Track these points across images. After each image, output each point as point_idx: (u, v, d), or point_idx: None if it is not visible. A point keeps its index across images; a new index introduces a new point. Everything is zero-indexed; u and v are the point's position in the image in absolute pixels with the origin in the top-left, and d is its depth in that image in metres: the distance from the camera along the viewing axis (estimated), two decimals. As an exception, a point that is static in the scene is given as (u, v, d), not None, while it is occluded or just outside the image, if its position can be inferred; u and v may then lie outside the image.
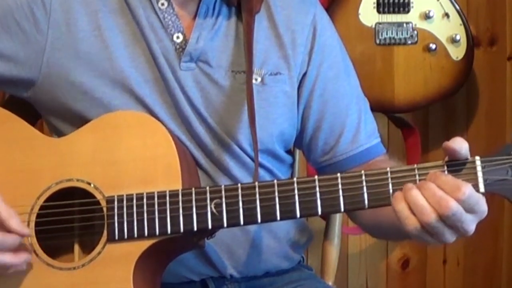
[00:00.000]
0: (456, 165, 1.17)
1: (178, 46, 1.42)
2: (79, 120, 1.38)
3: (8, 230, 1.23)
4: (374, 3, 2.30)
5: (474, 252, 2.62)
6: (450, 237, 1.17)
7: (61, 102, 1.41)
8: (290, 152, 1.56)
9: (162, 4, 1.43)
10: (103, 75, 1.39)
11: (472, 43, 2.33)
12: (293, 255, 1.57)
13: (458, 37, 2.30)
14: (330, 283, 1.73)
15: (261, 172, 1.46)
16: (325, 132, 1.51)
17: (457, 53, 2.32)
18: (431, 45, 2.31)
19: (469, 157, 1.18)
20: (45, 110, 1.46)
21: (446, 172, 1.17)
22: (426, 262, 2.66)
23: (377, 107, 2.21)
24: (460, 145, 1.16)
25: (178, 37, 1.43)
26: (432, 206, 1.14)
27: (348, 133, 1.51)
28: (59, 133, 1.42)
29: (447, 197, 1.13)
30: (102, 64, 1.39)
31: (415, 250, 2.64)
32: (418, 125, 2.53)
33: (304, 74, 1.49)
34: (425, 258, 2.66)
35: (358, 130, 1.51)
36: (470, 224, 1.16)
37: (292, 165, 1.60)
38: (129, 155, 1.30)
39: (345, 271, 2.62)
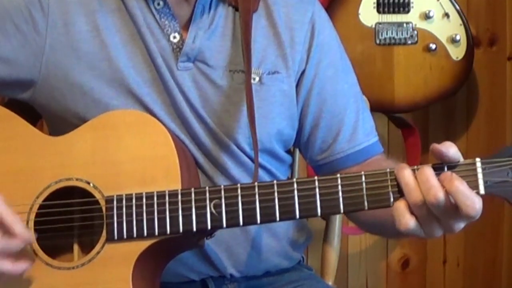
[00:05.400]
0: (456, 167, 1.16)
1: (175, 46, 1.42)
2: (79, 121, 1.38)
3: (12, 235, 1.22)
4: (374, 3, 2.31)
5: (474, 252, 2.62)
6: (437, 230, 1.17)
7: (61, 103, 1.41)
8: (289, 152, 1.56)
9: (158, 4, 1.42)
10: (102, 75, 1.39)
11: (472, 43, 2.33)
12: (293, 254, 1.57)
13: (458, 37, 2.31)
14: (330, 283, 1.73)
15: (260, 172, 1.45)
16: (322, 131, 1.51)
17: (457, 53, 2.32)
18: (431, 45, 2.31)
19: (461, 159, 1.17)
20: (45, 111, 1.46)
21: None
22: (426, 262, 2.66)
23: (377, 107, 2.22)
24: (446, 148, 1.16)
25: (174, 37, 1.43)
26: (421, 192, 1.14)
27: (346, 132, 1.50)
28: (59, 134, 1.42)
29: (438, 186, 1.14)
30: (101, 64, 1.39)
31: (415, 250, 2.64)
32: (418, 125, 2.53)
33: (302, 73, 1.49)
34: (425, 258, 2.66)
35: (356, 129, 1.51)
36: (459, 224, 1.17)
37: (291, 165, 1.60)
38: (129, 154, 1.30)
39: (345, 271, 2.62)
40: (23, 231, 1.23)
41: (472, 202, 1.13)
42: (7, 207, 1.23)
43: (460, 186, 1.13)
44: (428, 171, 1.15)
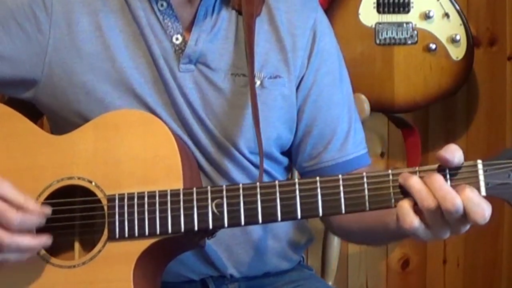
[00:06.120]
0: (457, 169, 1.17)
1: (177, 48, 1.42)
2: (81, 120, 1.38)
3: (27, 212, 1.22)
4: (374, 3, 2.31)
5: (474, 252, 2.63)
6: (446, 233, 1.18)
7: (63, 103, 1.41)
8: (286, 154, 1.56)
9: (162, 5, 1.42)
10: (105, 75, 1.39)
11: (472, 43, 2.33)
12: (293, 256, 1.57)
13: (458, 37, 2.31)
14: (330, 283, 1.73)
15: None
16: (314, 138, 1.50)
17: (457, 53, 2.32)
18: (431, 45, 2.31)
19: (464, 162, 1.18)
20: (47, 110, 1.46)
21: (448, 175, 1.17)
22: (426, 262, 2.66)
23: (377, 107, 2.22)
24: (452, 154, 1.16)
25: (177, 39, 1.42)
26: (435, 198, 1.14)
27: (337, 141, 1.50)
28: (62, 133, 1.42)
29: (453, 192, 1.14)
30: (104, 64, 1.39)
31: (415, 250, 2.64)
32: (418, 125, 2.53)
33: (302, 78, 1.49)
34: (425, 258, 2.66)
35: (347, 139, 1.51)
36: (466, 227, 1.17)
37: (289, 166, 1.59)
38: (131, 154, 1.30)
39: (345, 271, 2.62)
40: (37, 206, 1.24)
41: (482, 209, 1.13)
42: (16, 189, 1.23)
43: (470, 194, 1.13)
44: (439, 178, 1.15)
